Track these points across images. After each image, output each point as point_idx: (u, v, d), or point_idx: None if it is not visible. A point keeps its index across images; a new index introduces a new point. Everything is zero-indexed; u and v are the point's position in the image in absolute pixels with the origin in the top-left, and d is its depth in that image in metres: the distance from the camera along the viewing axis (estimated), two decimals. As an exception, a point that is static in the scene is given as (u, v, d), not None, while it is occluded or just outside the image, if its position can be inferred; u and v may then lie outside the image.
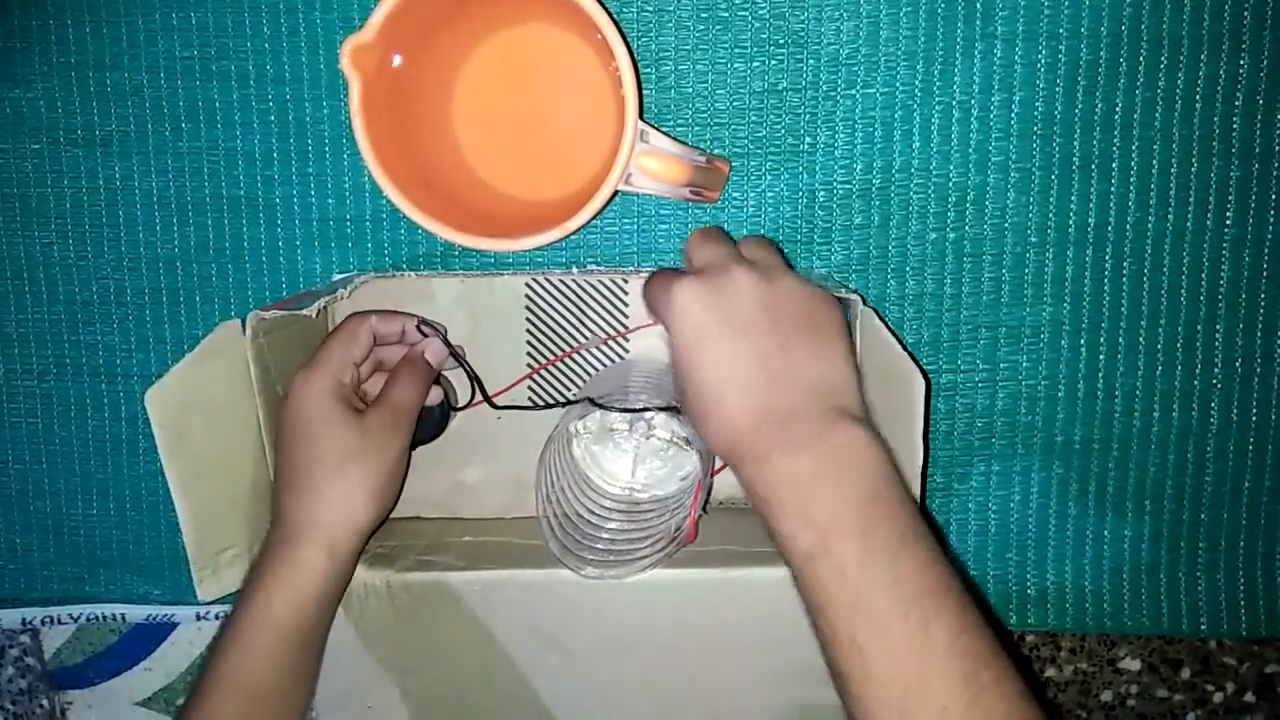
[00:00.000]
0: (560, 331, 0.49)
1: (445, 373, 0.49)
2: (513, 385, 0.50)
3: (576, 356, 0.50)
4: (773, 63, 0.47)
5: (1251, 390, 0.49)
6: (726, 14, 0.47)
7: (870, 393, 0.38)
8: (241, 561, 0.44)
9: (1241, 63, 0.46)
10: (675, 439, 0.49)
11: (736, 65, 0.47)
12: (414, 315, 0.47)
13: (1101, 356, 0.49)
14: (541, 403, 0.50)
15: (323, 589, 0.42)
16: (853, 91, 0.47)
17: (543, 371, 0.50)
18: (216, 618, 0.54)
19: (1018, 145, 0.47)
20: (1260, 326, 0.49)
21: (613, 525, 0.46)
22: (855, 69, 0.47)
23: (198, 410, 0.41)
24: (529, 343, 0.50)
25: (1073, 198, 0.48)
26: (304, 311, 0.43)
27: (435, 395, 0.47)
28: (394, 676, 0.47)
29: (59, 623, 0.55)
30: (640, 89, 0.38)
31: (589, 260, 0.49)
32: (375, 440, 0.43)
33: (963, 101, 0.47)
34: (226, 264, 0.50)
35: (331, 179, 0.49)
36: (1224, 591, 0.51)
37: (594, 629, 0.46)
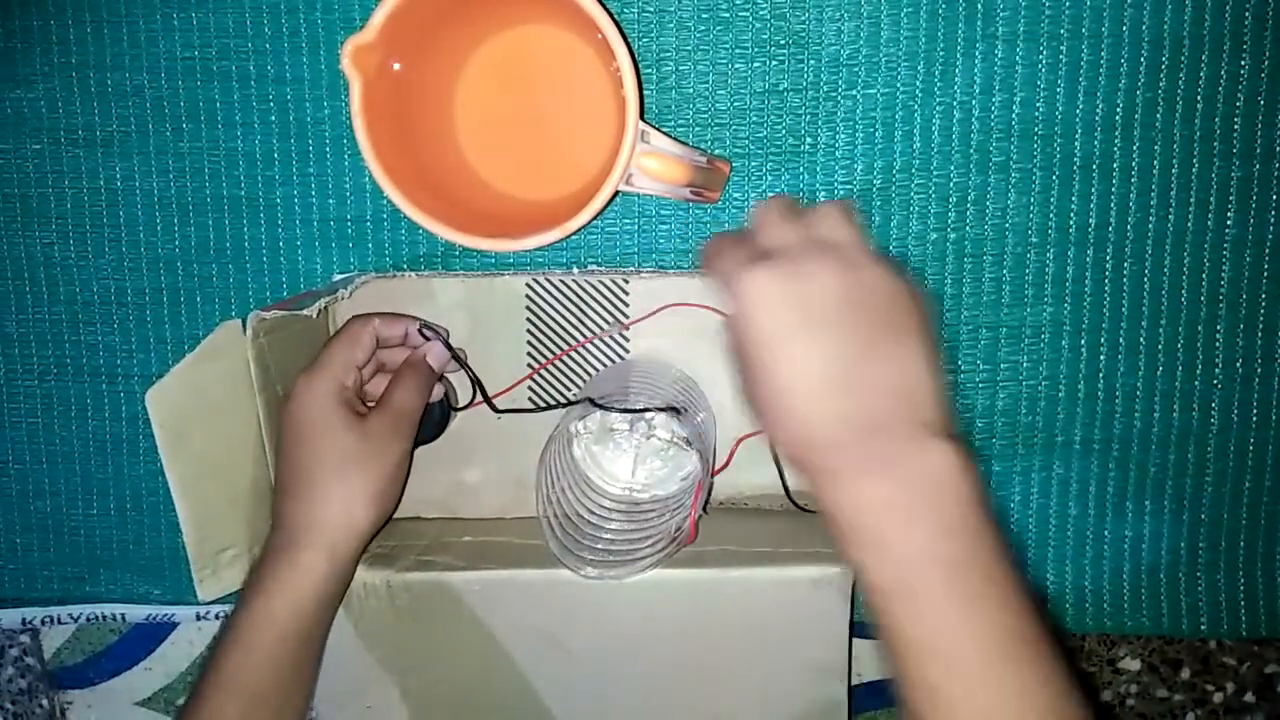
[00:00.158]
0: (561, 332, 0.49)
1: (446, 373, 0.49)
2: (513, 386, 0.49)
3: (576, 355, 0.50)
4: (773, 63, 0.47)
5: (1252, 391, 0.49)
6: (727, 14, 0.47)
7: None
8: (241, 561, 0.44)
9: (1242, 63, 0.46)
10: (675, 439, 0.49)
11: (737, 66, 0.47)
12: (416, 318, 0.47)
13: (1102, 357, 0.49)
14: (542, 403, 0.50)
15: (322, 591, 0.42)
16: (853, 92, 0.47)
17: (543, 372, 0.50)
18: (216, 618, 0.54)
19: (1018, 145, 0.47)
20: (1261, 327, 0.49)
21: (613, 525, 0.46)
22: (856, 69, 0.47)
23: (198, 410, 0.41)
24: (529, 343, 0.50)
25: (1073, 198, 0.48)
26: (304, 311, 0.43)
27: (436, 394, 0.47)
28: (394, 676, 0.47)
29: (59, 623, 0.55)
30: (641, 89, 0.38)
31: (589, 260, 0.49)
32: (377, 444, 0.43)
33: (963, 102, 0.47)
34: (227, 264, 0.50)
35: (332, 179, 0.49)
36: (1224, 592, 0.51)
37: (594, 629, 0.46)
